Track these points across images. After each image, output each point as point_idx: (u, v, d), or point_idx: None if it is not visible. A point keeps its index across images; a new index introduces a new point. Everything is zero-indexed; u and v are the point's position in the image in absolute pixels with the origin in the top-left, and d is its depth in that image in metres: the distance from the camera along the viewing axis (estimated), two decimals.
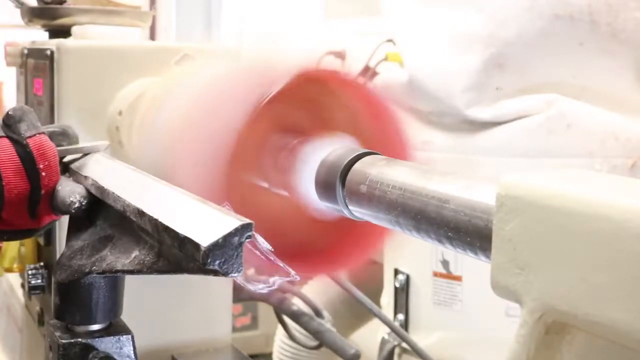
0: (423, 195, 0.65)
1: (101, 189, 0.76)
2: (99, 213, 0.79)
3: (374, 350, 1.76)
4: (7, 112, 0.81)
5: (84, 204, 0.79)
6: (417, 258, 1.70)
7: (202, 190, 0.72)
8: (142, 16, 1.38)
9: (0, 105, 4.15)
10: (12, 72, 1.42)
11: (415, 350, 1.49)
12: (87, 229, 0.79)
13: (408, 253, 1.70)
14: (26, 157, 0.79)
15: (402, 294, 1.72)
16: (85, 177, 0.81)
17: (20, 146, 0.79)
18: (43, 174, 0.80)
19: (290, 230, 0.88)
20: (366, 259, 0.92)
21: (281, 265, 0.64)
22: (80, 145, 0.90)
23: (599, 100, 1.56)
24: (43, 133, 0.81)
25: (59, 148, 0.85)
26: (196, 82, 0.96)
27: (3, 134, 0.80)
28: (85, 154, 0.89)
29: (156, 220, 0.64)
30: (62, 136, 0.89)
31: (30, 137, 0.79)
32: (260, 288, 0.64)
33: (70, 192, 0.79)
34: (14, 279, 1.53)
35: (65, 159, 0.88)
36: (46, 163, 0.80)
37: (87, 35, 1.29)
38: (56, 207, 0.80)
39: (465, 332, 1.63)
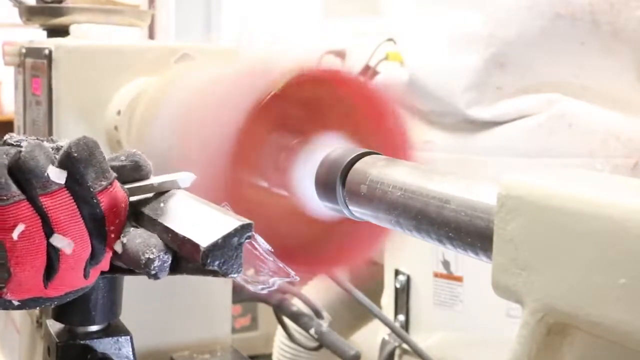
0: (424, 195, 0.65)
1: None
2: None
3: (374, 351, 1.75)
4: (68, 152, 0.60)
5: (167, 261, 0.60)
6: (417, 258, 1.70)
7: (202, 190, 0.72)
8: (141, 15, 1.38)
9: None
10: (10, 71, 1.42)
11: (416, 351, 1.49)
12: None
13: (408, 253, 1.70)
14: (94, 219, 0.61)
15: (403, 294, 1.72)
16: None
17: (89, 207, 0.61)
18: (112, 235, 0.62)
19: (290, 231, 0.88)
20: (366, 260, 0.92)
21: (281, 265, 0.64)
22: (156, 181, 0.67)
23: (600, 100, 1.56)
24: (115, 179, 0.62)
25: (128, 186, 0.65)
26: (196, 82, 0.96)
27: (61, 184, 0.60)
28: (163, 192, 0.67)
29: (155, 220, 0.63)
30: (135, 171, 0.66)
31: (100, 191, 0.60)
32: (260, 289, 0.64)
33: (145, 245, 0.60)
34: None
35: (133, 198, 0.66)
36: (117, 221, 0.62)
37: (86, 34, 1.29)
38: (128, 263, 0.63)
39: (466, 333, 1.63)
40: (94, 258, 0.62)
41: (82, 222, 0.61)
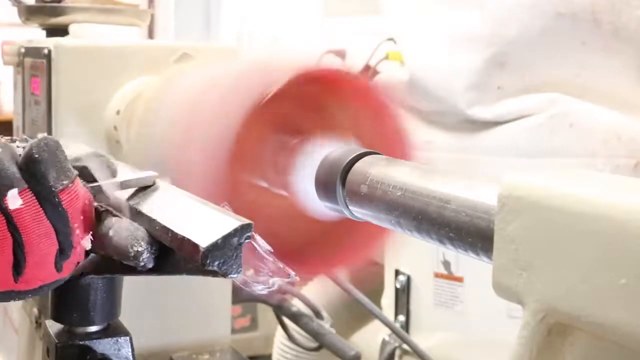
0: (424, 195, 0.65)
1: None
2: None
3: (374, 351, 1.75)
4: (29, 154, 0.62)
5: (154, 252, 0.63)
6: (418, 259, 1.70)
7: (202, 190, 0.72)
8: (140, 15, 1.38)
9: None
10: (9, 71, 1.42)
11: (416, 352, 1.49)
12: None
13: (409, 254, 1.70)
14: (57, 216, 0.62)
15: (403, 295, 1.72)
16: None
17: (50, 205, 0.62)
18: (77, 232, 0.64)
19: (290, 231, 0.88)
20: (366, 260, 0.91)
21: (281, 266, 0.64)
22: (121, 179, 0.71)
23: (601, 100, 1.56)
24: (77, 178, 0.64)
25: (93, 185, 0.68)
26: (195, 82, 0.96)
27: (25, 185, 0.62)
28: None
29: (154, 220, 0.63)
30: (100, 171, 0.70)
31: (62, 190, 0.62)
32: (259, 289, 0.64)
33: (132, 237, 0.63)
34: None
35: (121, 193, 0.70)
36: (81, 218, 0.64)
37: (85, 34, 1.29)
38: (116, 255, 0.65)
39: (467, 334, 1.63)
40: (62, 253, 0.64)
41: (47, 221, 0.62)
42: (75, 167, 0.66)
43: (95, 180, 0.69)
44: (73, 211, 0.63)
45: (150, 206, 0.66)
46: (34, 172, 0.61)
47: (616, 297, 0.45)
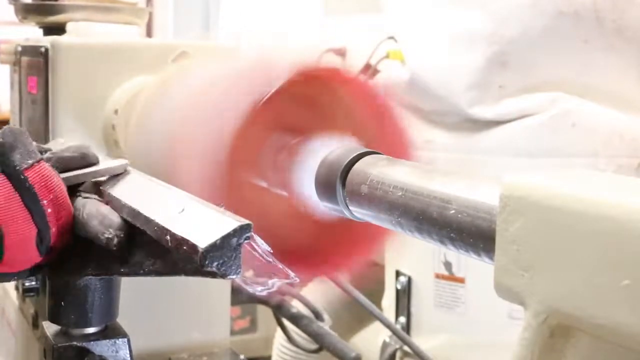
0: (425, 195, 0.64)
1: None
2: None
3: (375, 353, 1.75)
4: None
5: (122, 237, 0.67)
6: (419, 259, 1.70)
7: (200, 190, 0.72)
8: (138, 13, 1.38)
9: None
10: (6, 70, 1.41)
11: (417, 354, 1.48)
12: None
13: (410, 254, 1.70)
14: (26, 194, 0.66)
15: (404, 296, 1.72)
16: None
17: (18, 181, 0.66)
18: (49, 210, 0.67)
19: (289, 231, 0.88)
20: (367, 261, 0.91)
21: (280, 266, 0.63)
22: (95, 169, 0.76)
23: (603, 99, 1.56)
24: (42, 160, 0.69)
25: (68, 175, 0.73)
26: (194, 81, 0.96)
27: None
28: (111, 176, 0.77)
29: (152, 220, 0.63)
30: (82, 160, 0.75)
31: (27, 168, 0.67)
32: (259, 290, 0.63)
33: (103, 226, 0.67)
34: None
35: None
36: (51, 196, 0.68)
37: (83, 32, 1.28)
38: (88, 237, 0.69)
39: (468, 335, 1.63)
40: (41, 236, 0.67)
41: (20, 201, 0.67)
42: (62, 158, 0.73)
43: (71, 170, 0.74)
44: (40, 188, 0.67)
45: (147, 205, 0.66)
46: (0, 155, 0.67)
47: (619, 298, 0.45)
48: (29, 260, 0.69)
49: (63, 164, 0.73)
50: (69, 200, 0.70)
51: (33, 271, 0.71)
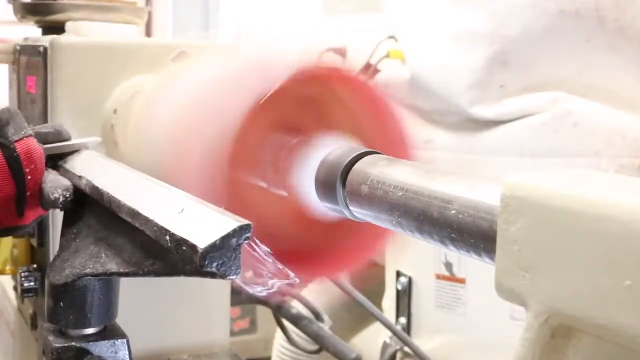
0: (425, 195, 0.64)
1: (95, 188, 0.75)
2: (93, 213, 0.78)
3: (375, 354, 1.75)
4: None
5: (68, 197, 0.80)
6: (419, 260, 1.70)
7: (200, 190, 0.72)
8: (138, 12, 1.37)
9: None
10: (4, 69, 1.41)
11: (418, 355, 1.48)
12: (81, 230, 0.78)
13: (410, 255, 1.70)
14: (13, 161, 0.81)
15: (404, 296, 1.72)
16: (80, 176, 0.81)
17: (8, 150, 0.81)
18: (29, 177, 0.82)
19: (289, 232, 0.87)
20: (367, 261, 0.91)
21: (280, 267, 0.63)
22: (70, 142, 0.92)
23: (605, 98, 1.56)
24: (30, 135, 0.84)
25: (47, 146, 0.87)
26: (193, 80, 0.96)
27: None
28: (75, 151, 0.91)
29: (151, 221, 0.62)
30: (57, 136, 0.91)
31: (17, 140, 0.82)
32: (258, 291, 0.63)
33: (53, 187, 0.81)
34: (7, 281, 1.53)
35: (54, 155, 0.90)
36: (32, 166, 0.82)
37: (82, 31, 1.28)
38: (44, 203, 0.82)
39: (469, 336, 1.63)
40: (20, 198, 0.82)
41: (5, 164, 0.81)
42: (39, 134, 0.87)
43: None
44: (25, 158, 0.82)
45: (146, 205, 0.66)
46: None
47: (621, 299, 0.45)
48: (10, 219, 0.84)
49: (41, 138, 0.86)
50: (44, 170, 0.84)
51: (9, 230, 0.87)
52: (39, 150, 0.84)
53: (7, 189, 0.81)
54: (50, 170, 0.86)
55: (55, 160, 0.89)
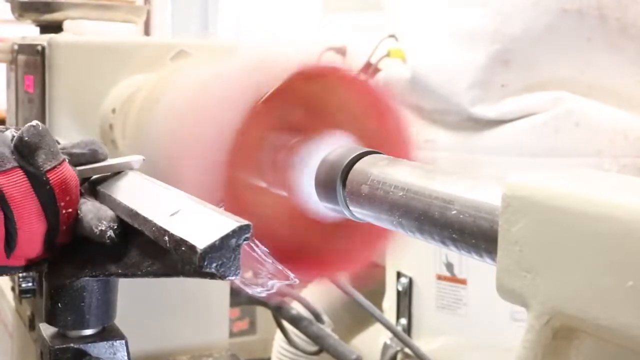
0: (426, 195, 0.64)
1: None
2: None
3: (375, 355, 1.75)
4: (21, 138, 0.69)
5: (116, 229, 0.68)
6: (420, 261, 1.69)
7: (199, 190, 0.71)
8: (136, 11, 1.38)
9: None
10: (2, 68, 1.41)
11: (418, 356, 1.48)
12: None
13: (411, 255, 1.70)
14: (45, 195, 0.69)
15: (405, 297, 1.72)
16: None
17: (39, 182, 0.68)
18: (63, 211, 0.70)
19: (289, 232, 0.87)
20: (368, 262, 0.91)
21: (280, 268, 0.63)
22: (108, 163, 0.77)
23: (607, 98, 1.55)
24: (64, 160, 0.71)
25: (80, 168, 0.74)
26: (192, 79, 0.95)
27: (16, 164, 0.68)
28: (116, 172, 0.77)
29: (150, 221, 0.62)
30: (92, 157, 0.76)
31: (50, 170, 0.68)
32: (258, 291, 0.63)
33: (95, 218, 0.69)
34: (4, 282, 1.53)
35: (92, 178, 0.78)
36: (67, 198, 0.70)
37: (80, 30, 1.28)
38: (84, 234, 0.70)
39: (470, 337, 1.63)
40: (51, 231, 0.70)
41: (36, 199, 0.68)
42: (73, 155, 0.73)
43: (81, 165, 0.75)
44: (60, 191, 0.69)
45: (145, 205, 0.66)
46: (25, 154, 0.68)
47: (623, 300, 0.45)
48: (34, 255, 0.71)
49: (74, 161, 0.74)
50: (79, 200, 0.72)
51: (31, 266, 0.73)
52: (74, 178, 0.71)
53: (35, 227, 0.69)
54: (86, 197, 0.74)
55: (91, 184, 0.77)
